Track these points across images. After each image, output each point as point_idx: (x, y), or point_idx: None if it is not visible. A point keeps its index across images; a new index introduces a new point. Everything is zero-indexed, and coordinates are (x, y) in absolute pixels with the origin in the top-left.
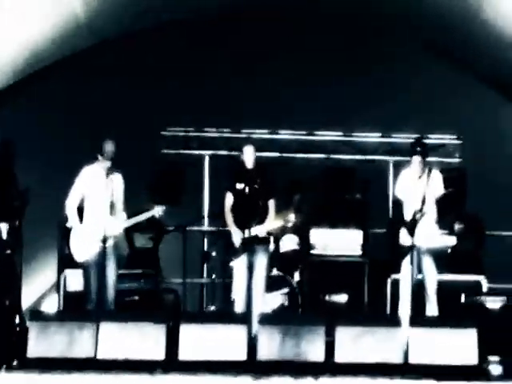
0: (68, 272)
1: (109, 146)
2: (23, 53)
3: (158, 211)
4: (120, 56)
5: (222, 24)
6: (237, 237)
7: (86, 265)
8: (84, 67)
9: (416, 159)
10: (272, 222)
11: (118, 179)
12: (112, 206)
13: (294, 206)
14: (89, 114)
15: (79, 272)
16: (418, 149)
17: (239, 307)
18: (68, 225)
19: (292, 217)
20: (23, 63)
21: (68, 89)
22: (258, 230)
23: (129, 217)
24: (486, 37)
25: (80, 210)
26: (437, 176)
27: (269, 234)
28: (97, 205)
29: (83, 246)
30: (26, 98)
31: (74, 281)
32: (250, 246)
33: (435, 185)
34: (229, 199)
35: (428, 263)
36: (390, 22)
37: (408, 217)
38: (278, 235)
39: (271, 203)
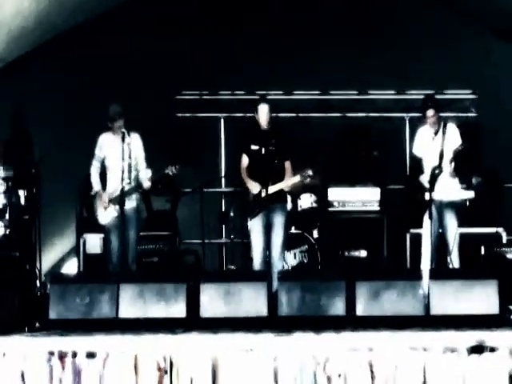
0: (86, 236)
1: (112, 110)
2: (36, 22)
3: (170, 170)
4: (134, 20)
5: None
6: (256, 189)
7: (108, 227)
8: (98, 32)
9: (429, 115)
10: (289, 180)
11: (135, 139)
12: (134, 166)
13: (312, 164)
14: (104, 79)
15: (97, 236)
16: (430, 104)
17: (258, 265)
18: (92, 192)
19: (309, 173)
20: (37, 32)
21: (82, 54)
22: (275, 188)
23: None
24: None
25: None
26: (452, 129)
27: (287, 191)
28: (116, 169)
29: (106, 210)
30: (39, 66)
31: (93, 244)
32: (268, 204)
33: (452, 137)
34: (244, 161)
35: (449, 217)
36: None
37: (427, 173)
38: (296, 193)
39: (287, 164)
